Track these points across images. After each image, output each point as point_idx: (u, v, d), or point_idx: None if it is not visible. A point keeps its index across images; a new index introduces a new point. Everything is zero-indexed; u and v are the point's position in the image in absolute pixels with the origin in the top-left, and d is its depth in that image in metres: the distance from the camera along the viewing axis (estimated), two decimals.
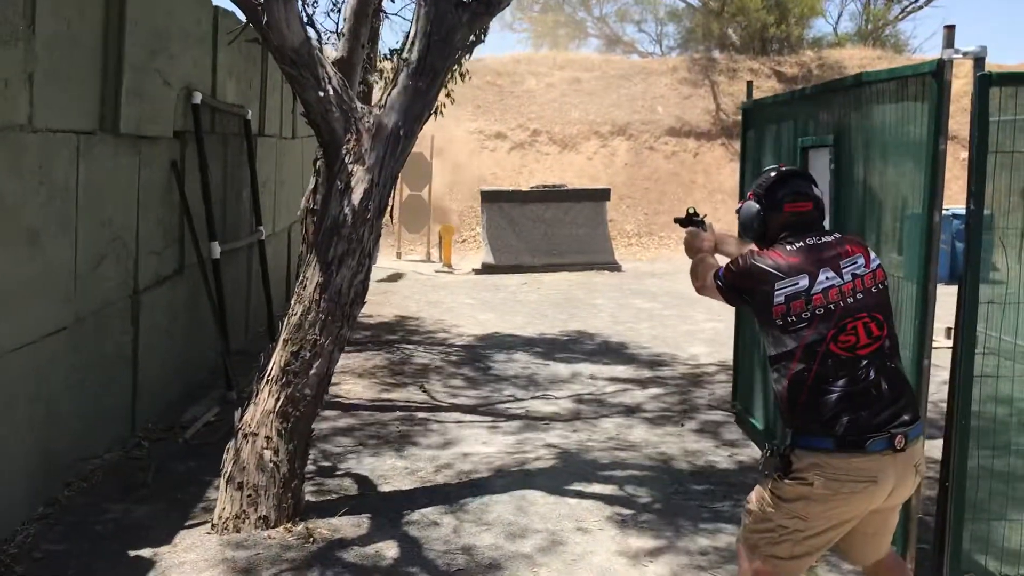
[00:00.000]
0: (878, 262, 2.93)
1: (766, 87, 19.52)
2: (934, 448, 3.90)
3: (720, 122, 19.62)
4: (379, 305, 10.77)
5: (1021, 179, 3.74)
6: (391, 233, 15.86)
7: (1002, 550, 3.72)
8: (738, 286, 2.94)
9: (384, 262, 14.76)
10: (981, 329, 3.69)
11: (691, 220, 3.44)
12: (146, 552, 3.99)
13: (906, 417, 2.76)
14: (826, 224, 3.09)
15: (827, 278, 2.79)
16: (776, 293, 2.79)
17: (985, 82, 3.36)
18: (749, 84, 6.06)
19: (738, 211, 3.13)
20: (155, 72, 5.69)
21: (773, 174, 3.09)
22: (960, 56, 3.37)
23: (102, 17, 4.98)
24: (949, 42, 3.40)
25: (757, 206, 3.03)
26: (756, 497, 2.90)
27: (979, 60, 3.36)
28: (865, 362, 2.74)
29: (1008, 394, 3.82)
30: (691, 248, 3.37)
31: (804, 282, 2.78)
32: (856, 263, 2.85)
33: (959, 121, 4.23)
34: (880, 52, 23.48)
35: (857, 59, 21.71)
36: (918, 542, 3.68)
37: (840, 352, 2.73)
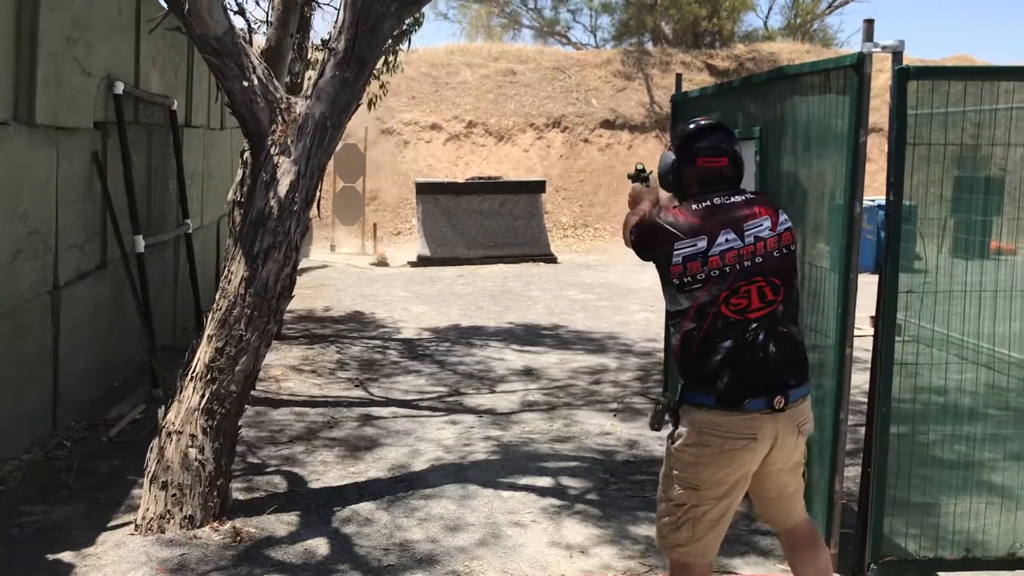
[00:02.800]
0: (786, 225, 2.93)
1: (698, 80, 19.74)
2: (857, 435, 3.99)
3: (654, 115, 19.78)
4: (312, 299, 10.64)
5: (940, 171, 3.84)
6: (325, 226, 15.68)
7: (921, 533, 3.82)
8: (643, 242, 2.98)
9: (317, 255, 14.59)
10: (902, 317, 3.78)
11: (638, 176, 3.46)
12: (66, 555, 3.87)
13: (791, 380, 2.83)
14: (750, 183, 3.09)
15: (727, 240, 2.82)
16: (675, 253, 2.83)
17: (903, 76, 3.43)
18: (678, 77, 6.11)
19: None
20: (73, 60, 5.52)
21: (691, 126, 3.06)
22: (879, 50, 3.43)
23: (14, 1, 4.80)
24: (869, 36, 3.46)
25: (673, 157, 3.03)
26: (659, 487, 2.98)
27: (897, 54, 3.42)
28: (755, 325, 2.79)
29: (929, 381, 3.92)
30: (632, 203, 3.39)
31: (703, 243, 2.81)
32: (761, 225, 2.86)
33: (886, 114, 4.31)
34: (809, 46, 23.92)
35: (787, 53, 22.08)
36: (841, 527, 3.75)
37: (730, 314, 2.79)
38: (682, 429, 2.86)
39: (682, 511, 2.86)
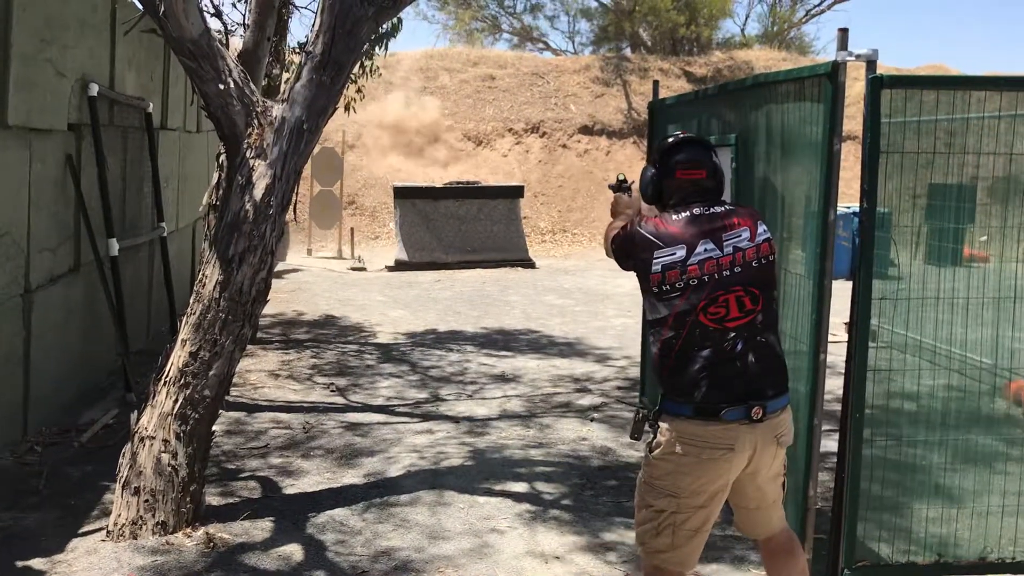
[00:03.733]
0: (765, 236, 2.95)
1: (676, 87, 19.84)
2: (831, 440, 4.01)
3: (632, 121, 19.85)
4: (289, 303, 10.58)
5: (914, 179, 3.87)
6: (301, 230, 15.61)
7: (894, 537, 3.84)
8: (623, 251, 3.00)
9: (294, 259, 14.52)
10: (876, 323, 3.81)
11: (619, 186, 3.49)
12: (36, 562, 3.82)
13: (769, 391, 2.84)
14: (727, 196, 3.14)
15: (705, 250, 2.84)
16: (654, 262, 2.85)
17: (876, 84, 3.46)
18: (655, 83, 6.13)
19: None
20: (47, 62, 5.46)
21: (670, 139, 3.11)
22: (853, 59, 3.46)
23: None
24: (843, 45, 3.48)
25: (653, 170, 3.08)
26: (637, 493, 2.99)
27: (871, 63, 3.45)
28: (732, 335, 2.81)
29: (902, 387, 3.95)
30: (614, 213, 3.42)
31: (681, 252, 2.84)
32: (740, 236, 2.89)
33: (861, 122, 4.34)
34: (785, 54, 24.09)
35: (764, 60, 22.24)
36: (815, 532, 3.77)
37: (708, 323, 2.80)
38: (660, 438, 2.87)
39: (662, 517, 2.87)
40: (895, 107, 3.58)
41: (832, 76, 3.48)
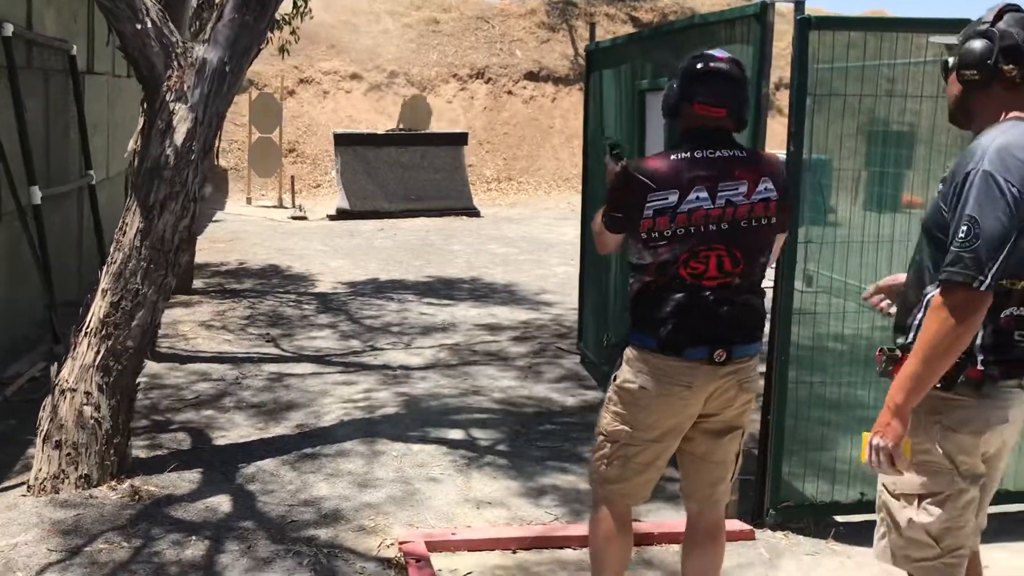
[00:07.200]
0: (765, 195, 2.72)
1: (623, 32, 19.68)
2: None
3: (578, 67, 19.65)
4: (226, 253, 10.39)
5: (855, 125, 3.87)
6: (240, 178, 15.31)
7: (818, 477, 3.92)
8: (617, 200, 2.81)
9: (233, 208, 14.24)
10: (816, 269, 3.84)
11: (611, 152, 3.23)
12: None
13: (736, 338, 2.75)
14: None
15: (697, 198, 2.67)
16: (647, 206, 2.69)
17: (804, 25, 3.43)
18: (592, 26, 6.05)
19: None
20: None
21: (699, 66, 2.78)
22: None
23: None
24: None
25: (676, 89, 2.81)
26: (598, 423, 2.96)
27: (799, 4, 3.42)
28: (708, 292, 2.72)
29: (827, 329, 4.00)
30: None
31: (673, 198, 2.68)
32: (737, 190, 2.69)
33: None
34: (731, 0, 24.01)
35: (708, 5, 22.14)
36: (741, 473, 3.81)
37: (687, 277, 2.71)
38: (624, 366, 2.85)
39: (615, 448, 2.86)
40: (837, 53, 3.56)
41: (760, 17, 3.44)
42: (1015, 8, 2.28)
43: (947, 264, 2.17)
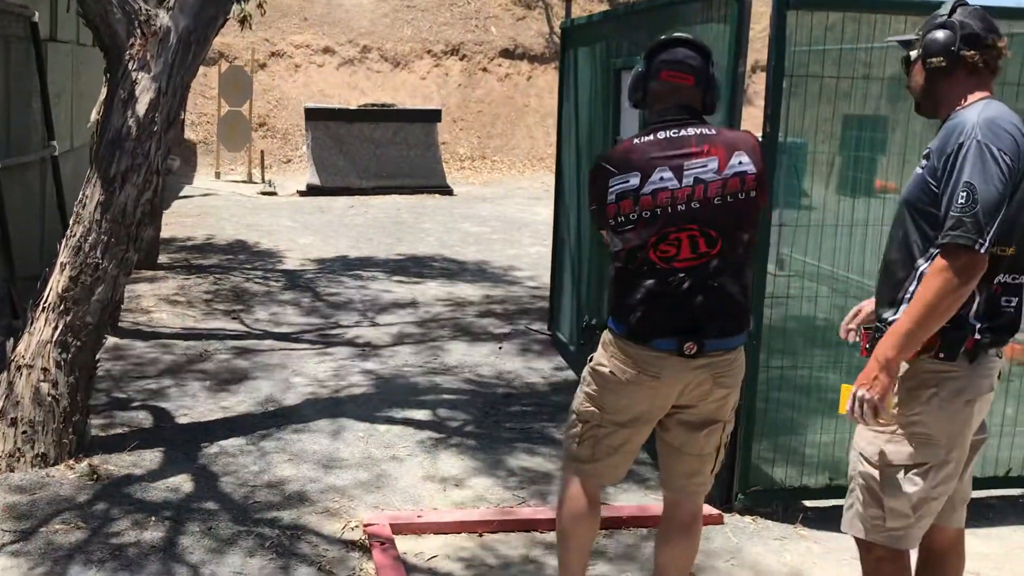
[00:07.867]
0: (740, 170, 2.61)
1: (599, 11, 19.54)
2: None
3: (553, 45, 19.51)
4: (194, 228, 10.23)
5: (831, 109, 3.83)
6: (209, 152, 15.07)
7: (788, 462, 3.90)
8: (594, 194, 2.75)
9: (202, 182, 14.03)
10: (789, 253, 3.81)
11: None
12: None
13: (713, 330, 2.65)
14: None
15: (661, 179, 2.59)
16: (610, 191, 2.64)
17: (782, 5, 3.38)
18: (568, 4, 5.96)
19: None
20: None
21: (663, 38, 2.76)
22: None
23: None
24: None
25: (641, 68, 2.75)
26: (573, 402, 2.92)
27: None
28: (682, 275, 2.62)
29: (799, 311, 3.98)
30: None
31: (635, 180, 2.60)
32: (705, 167, 2.59)
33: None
34: None
35: None
36: None
37: (657, 261, 2.62)
38: (600, 350, 2.83)
39: (585, 428, 2.83)
40: (815, 37, 3.52)
41: None
42: (964, 3, 2.49)
43: (948, 229, 2.28)
